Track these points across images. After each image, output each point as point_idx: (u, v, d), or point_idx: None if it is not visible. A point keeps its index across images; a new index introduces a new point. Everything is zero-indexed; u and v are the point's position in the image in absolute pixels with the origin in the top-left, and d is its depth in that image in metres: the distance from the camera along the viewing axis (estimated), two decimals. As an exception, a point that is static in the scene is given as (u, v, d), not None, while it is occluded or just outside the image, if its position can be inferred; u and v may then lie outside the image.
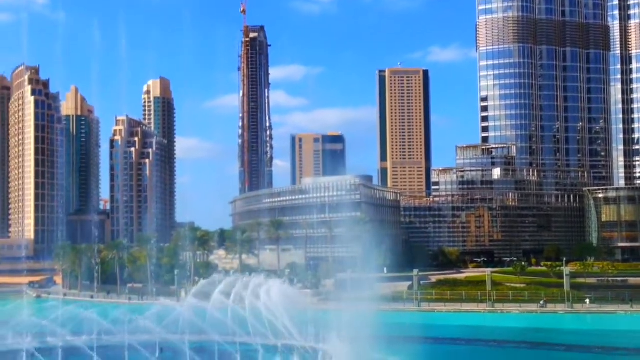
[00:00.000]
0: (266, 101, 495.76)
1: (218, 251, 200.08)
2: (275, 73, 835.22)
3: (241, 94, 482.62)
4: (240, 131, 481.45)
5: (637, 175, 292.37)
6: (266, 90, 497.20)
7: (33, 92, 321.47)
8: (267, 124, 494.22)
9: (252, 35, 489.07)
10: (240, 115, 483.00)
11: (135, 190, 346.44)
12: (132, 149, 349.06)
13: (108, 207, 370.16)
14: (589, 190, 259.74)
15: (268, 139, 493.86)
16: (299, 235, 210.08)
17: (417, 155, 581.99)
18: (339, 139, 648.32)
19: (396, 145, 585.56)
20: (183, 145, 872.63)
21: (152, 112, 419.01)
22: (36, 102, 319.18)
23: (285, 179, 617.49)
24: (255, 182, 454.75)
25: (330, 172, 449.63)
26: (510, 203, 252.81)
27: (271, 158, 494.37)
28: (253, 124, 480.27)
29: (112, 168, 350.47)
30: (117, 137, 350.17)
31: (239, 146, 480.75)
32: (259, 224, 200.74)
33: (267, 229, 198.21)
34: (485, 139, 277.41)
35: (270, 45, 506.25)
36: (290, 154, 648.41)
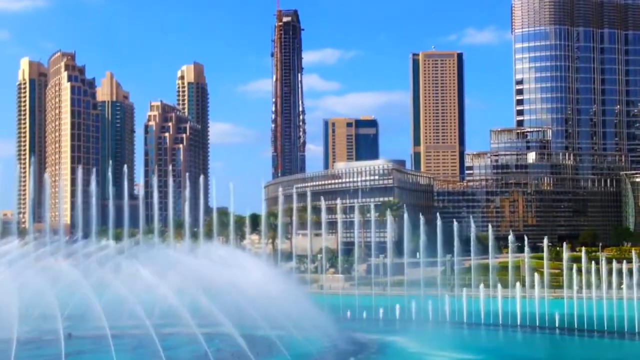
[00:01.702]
0: (299, 85, 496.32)
1: (251, 236, 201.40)
2: (309, 57, 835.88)
3: (274, 79, 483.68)
4: (273, 116, 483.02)
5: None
6: (299, 74, 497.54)
7: (69, 79, 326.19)
8: (300, 109, 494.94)
9: (285, 19, 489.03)
10: (273, 100, 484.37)
11: (169, 175, 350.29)
12: (166, 134, 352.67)
13: (142, 191, 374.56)
14: (626, 174, 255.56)
15: (301, 123, 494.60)
16: (332, 220, 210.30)
17: (451, 139, 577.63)
18: (372, 123, 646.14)
19: (430, 130, 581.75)
20: (217, 130, 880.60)
21: (186, 97, 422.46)
22: (72, 88, 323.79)
23: (318, 163, 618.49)
24: (288, 167, 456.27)
25: (363, 156, 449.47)
26: (545, 187, 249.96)
27: (304, 142, 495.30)
28: (286, 108, 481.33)
29: (146, 153, 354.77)
30: (151, 123, 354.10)
31: (272, 131, 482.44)
32: (290, 209, 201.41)
33: (300, 213, 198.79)
34: (520, 123, 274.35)
35: (303, 29, 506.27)
36: (323, 138, 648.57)
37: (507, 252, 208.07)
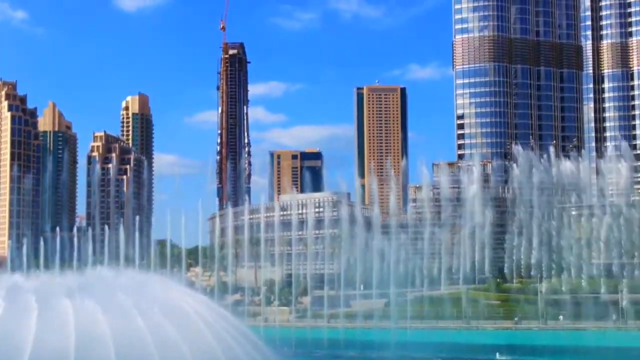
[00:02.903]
0: (245, 118, 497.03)
1: (194, 268, 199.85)
2: (255, 89, 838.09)
3: (220, 111, 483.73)
4: (218, 148, 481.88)
5: (610, 192, 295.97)
6: (245, 106, 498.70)
7: (10, 108, 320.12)
8: (246, 141, 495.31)
9: (231, 52, 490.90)
10: (219, 131, 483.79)
11: (112, 206, 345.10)
12: (110, 165, 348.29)
13: (84, 223, 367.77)
14: (563, 207, 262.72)
15: (246, 155, 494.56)
16: (277, 252, 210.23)
17: (395, 171, 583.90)
18: (317, 155, 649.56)
19: (374, 162, 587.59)
20: (162, 161, 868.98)
21: (131, 128, 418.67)
22: (12, 118, 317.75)
23: (264, 195, 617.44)
24: (233, 199, 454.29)
25: (309, 188, 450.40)
26: (486, 220, 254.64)
27: (249, 174, 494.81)
28: (231, 140, 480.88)
29: (88, 184, 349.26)
30: (94, 153, 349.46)
31: (217, 163, 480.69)
32: (235, 241, 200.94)
33: (244, 246, 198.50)
34: (460, 157, 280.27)
35: (249, 62, 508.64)
36: (268, 170, 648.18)
37: (450, 284, 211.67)
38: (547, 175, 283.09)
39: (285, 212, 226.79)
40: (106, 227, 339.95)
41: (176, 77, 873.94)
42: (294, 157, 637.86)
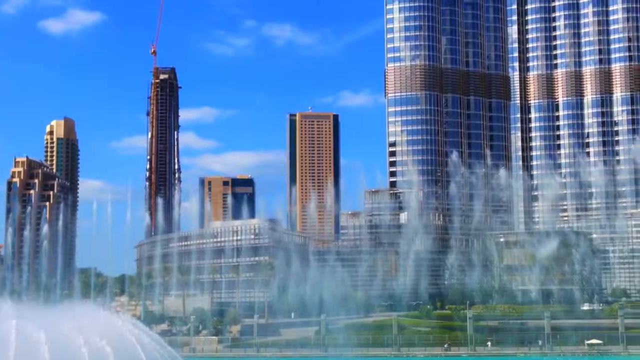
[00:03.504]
0: (175, 143, 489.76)
1: (120, 298, 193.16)
2: (186, 115, 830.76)
3: (149, 136, 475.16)
4: (147, 173, 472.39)
5: (536, 220, 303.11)
6: (175, 132, 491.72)
7: None
8: (176, 167, 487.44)
9: (162, 76, 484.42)
10: (148, 157, 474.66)
11: (33, 234, 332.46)
12: (32, 191, 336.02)
13: (3, 252, 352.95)
14: (491, 234, 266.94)
15: (176, 181, 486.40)
16: (206, 280, 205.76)
17: (327, 198, 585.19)
18: (248, 182, 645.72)
19: (306, 189, 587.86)
20: (87, 187, 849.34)
21: (55, 153, 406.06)
22: None
23: (193, 222, 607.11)
24: (162, 226, 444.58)
25: (240, 215, 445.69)
26: (417, 247, 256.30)
27: (179, 201, 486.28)
28: (161, 166, 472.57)
29: (8, 211, 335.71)
30: (15, 179, 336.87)
31: (146, 189, 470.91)
32: (164, 269, 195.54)
33: (173, 273, 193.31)
34: (393, 184, 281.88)
35: (181, 87, 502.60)
36: (198, 196, 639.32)
37: (381, 311, 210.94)
38: (476, 203, 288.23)
39: (215, 239, 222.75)
40: (28, 255, 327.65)
41: (105, 101, 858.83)
42: (225, 183, 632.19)
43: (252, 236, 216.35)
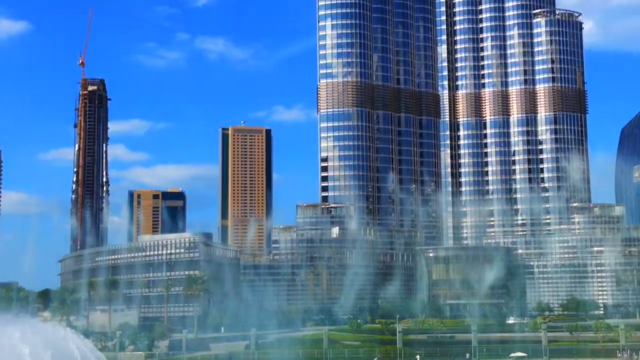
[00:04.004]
0: (104, 156, 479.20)
1: (43, 313, 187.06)
2: (115, 127, 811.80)
3: (77, 148, 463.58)
4: (74, 186, 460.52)
5: (464, 235, 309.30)
6: (104, 144, 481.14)
7: None
8: (104, 179, 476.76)
9: (90, 88, 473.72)
10: (75, 169, 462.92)
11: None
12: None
13: None
14: (420, 249, 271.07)
15: (104, 194, 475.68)
16: (134, 294, 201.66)
17: (259, 213, 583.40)
18: (179, 195, 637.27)
19: (237, 203, 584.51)
20: (9, 199, 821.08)
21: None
22: None
23: (122, 236, 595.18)
24: (88, 239, 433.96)
25: (170, 229, 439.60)
26: (348, 261, 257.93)
27: (107, 214, 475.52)
28: (89, 178, 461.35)
29: None
30: None
31: (72, 201, 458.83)
32: (90, 283, 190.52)
33: (99, 288, 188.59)
34: (324, 199, 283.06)
35: (110, 99, 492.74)
36: (127, 210, 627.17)
37: (312, 325, 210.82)
38: (406, 218, 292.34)
39: (144, 253, 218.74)
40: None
41: (31, 112, 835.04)
42: (155, 196, 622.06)
43: (183, 250, 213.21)
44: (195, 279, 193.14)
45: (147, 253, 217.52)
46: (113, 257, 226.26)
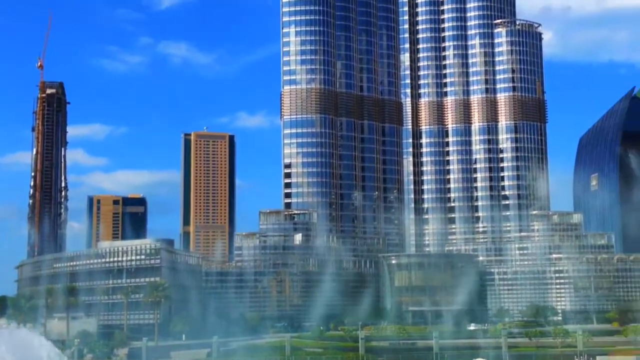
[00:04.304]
0: (62, 160, 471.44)
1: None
2: (75, 131, 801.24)
3: (34, 152, 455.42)
4: (31, 191, 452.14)
5: (426, 242, 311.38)
6: (63, 148, 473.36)
7: None
8: (63, 184, 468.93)
9: (49, 91, 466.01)
10: (33, 174, 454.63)
11: None
12: None
13: None
14: (383, 256, 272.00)
15: (63, 199, 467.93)
16: (93, 302, 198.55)
17: (221, 219, 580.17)
18: (140, 201, 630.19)
19: (200, 209, 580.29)
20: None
21: None
22: None
23: (81, 242, 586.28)
24: (46, 246, 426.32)
25: (130, 235, 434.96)
26: (311, 268, 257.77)
27: (65, 220, 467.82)
28: (47, 183, 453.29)
29: None
30: None
31: (29, 207, 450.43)
32: (47, 290, 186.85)
33: (57, 295, 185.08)
34: (288, 205, 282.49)
35: (69, 103, 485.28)
36: (87, 215, 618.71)
37: (275, 332, 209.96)
38: (369, 225, 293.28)
39: (103, 260, 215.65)
40: None
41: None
42: (116, 202, 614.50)
43: (144, 257, 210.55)
44: (156, 286, 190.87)
45: (107, 260, 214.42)
46: (72, 263, 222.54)
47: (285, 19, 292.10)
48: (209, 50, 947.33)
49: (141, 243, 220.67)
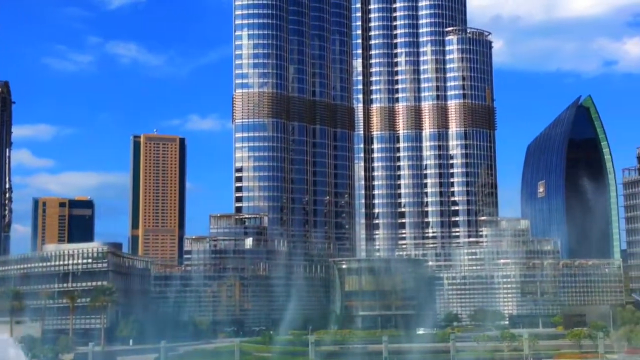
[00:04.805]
0: (6, 161, 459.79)
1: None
2: (20, 132, 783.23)
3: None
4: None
5: (377, 247, 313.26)
6: (7, 149, 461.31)
7: None
8: (7, 186, 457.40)
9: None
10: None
11: None
12: None
13: None
14: (334, 261, 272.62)
15: (7, 201, 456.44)
16: (38, 306, 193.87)
17: (171, 223, 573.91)
18: (87, 204, 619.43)
19: (149, 213, 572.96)
20: None
21: None
22: None
23: (25, 245, 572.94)
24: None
25: (77, 238, 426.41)
26: (261, 273, 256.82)
27: (9, 222, 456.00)
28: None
29: None
30: None
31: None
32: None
33: (0, 299, 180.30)
34: (238, 209, 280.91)
35: (14, 102, 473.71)
36: (32, 218, 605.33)
37: (224, 337, 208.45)
38: (320, 230, 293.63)
39: (49, 263, 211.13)
40: None
41: None
42: (62, 204, 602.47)
43: (90, 260, 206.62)
44: (103, 290, 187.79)
45: (53, 263, 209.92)
46: (16, 267, 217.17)
47: (238, 22, 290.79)
48: (160, 51, 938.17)
49: (88, 246, 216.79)
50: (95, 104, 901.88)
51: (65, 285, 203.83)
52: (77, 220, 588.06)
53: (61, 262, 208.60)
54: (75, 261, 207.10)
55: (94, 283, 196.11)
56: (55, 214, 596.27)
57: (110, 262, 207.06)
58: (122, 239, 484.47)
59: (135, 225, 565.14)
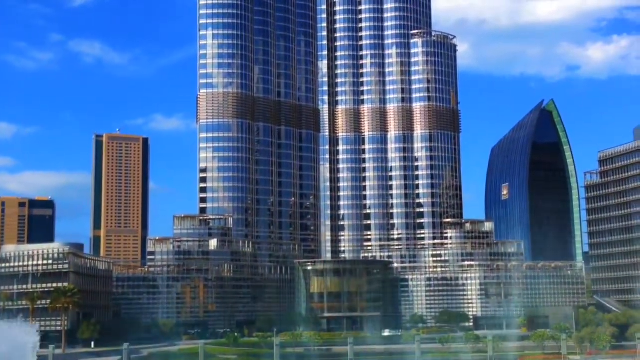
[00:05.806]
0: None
1: None
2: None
3: None
4: None
5: (342, 249, 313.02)
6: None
7: None
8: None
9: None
10: None
11: None
12: None
13: None
14: (299, 262, 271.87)
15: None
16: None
17: (134, 223, 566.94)
18: (48, 204, 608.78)
19: (111, 213, 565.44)
20: None
21: None
22: None
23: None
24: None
25: (37, 239, 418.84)
26: (226, 274, 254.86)
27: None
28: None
29: None
30: None
31: None
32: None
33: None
34: (203, 210, 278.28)
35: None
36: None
37: (188, 339, 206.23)
38: (285, 231, 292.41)
39: (8, 264, 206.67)
40: None
41: None
42: (22, 204, 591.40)
43: (51, 261, 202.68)
44: (64, 291, 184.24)
45: (12, 264, 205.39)
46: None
47: (203, 21, 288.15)
48: (124, 50, 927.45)
49: (48, 247, 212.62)
50: (57, 102, 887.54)
51: (24, 286, 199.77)
52: (38, 221, 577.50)
53: (21, 263, 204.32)
54: (35, 262, 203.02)
55: (54, 284, 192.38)
56: (15, 214, 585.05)
57: (72, 263, 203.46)
58: (83, 240, 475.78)
59: (97, 225, 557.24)
